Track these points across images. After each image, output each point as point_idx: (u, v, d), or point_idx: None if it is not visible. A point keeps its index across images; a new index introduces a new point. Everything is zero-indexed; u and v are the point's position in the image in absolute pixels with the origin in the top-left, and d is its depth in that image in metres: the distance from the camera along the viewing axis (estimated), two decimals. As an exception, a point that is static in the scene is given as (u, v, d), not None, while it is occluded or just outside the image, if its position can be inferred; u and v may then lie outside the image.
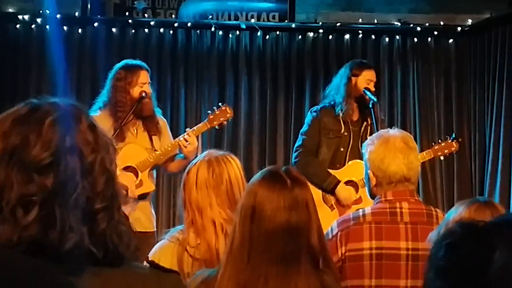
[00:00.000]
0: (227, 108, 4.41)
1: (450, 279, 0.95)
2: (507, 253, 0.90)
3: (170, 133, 4.56)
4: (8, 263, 0.98)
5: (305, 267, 1.93)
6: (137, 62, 4.44)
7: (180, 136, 4.31)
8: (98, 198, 1.15)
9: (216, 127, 4.43)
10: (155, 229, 4.34)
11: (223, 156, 2.69)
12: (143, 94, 4.27)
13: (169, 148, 4.30)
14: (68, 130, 1.14)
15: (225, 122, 4.44)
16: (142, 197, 4.27)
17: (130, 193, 4.05)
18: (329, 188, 4.58)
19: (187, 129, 4.34)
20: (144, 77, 4.33)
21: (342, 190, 4.60)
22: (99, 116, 4.19)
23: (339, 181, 4.59)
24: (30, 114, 1.15)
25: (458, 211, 2.25)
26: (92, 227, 1.14)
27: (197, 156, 3.78)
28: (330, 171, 4.67)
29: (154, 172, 4.51)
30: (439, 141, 4.78)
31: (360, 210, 2.80)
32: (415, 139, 3.42)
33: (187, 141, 4.22)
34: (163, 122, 4.52)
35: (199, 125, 4.40)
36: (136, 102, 4.27)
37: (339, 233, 2.67)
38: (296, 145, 4.85)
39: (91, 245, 1.13)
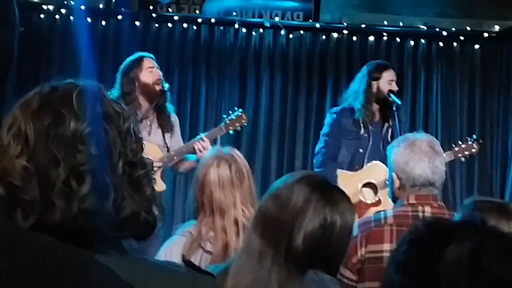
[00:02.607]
0: (243, 115, 4.51)
1: (407, 274, 0.96)
2: (459, 248, 0.91)
3: (179, 131, 4.58)
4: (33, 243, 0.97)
5: (284, 262, 1.87)
6: (140, 53, 4.49)
7: (194, 140, 4.32)
8: (140, 164, 1.17)
9: (230, 132, 4.49)
10: None
11: (233, 152, 2.70)
12: (164, 87, 4.30)
13: (184, 150, 4.32)
14: (97, 100, 1.15)
15: (239, 128, 4.50)
16: None
17: None
18: None
19: (201, 134, 4.36)
20: (148, 61, 4.37)
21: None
22: None
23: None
24: (54, 92, 1.15)
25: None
26: (140, 194, 1.15)
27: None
28: (349, 173, 4.64)
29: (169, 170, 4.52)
30: (460, 142, 4.73)
31: (382, 212, 2.79)
32: (437, 144, 3.41)
33: (203, 147, 4.24)
34: (175, 119, 4.55)
35: (215, 129, 4.50)
36: (157, 95, 4.29)
37: (359, 235, 2.67)
38: (318, 146, 4.82)
39: (144, 213, 1.15)
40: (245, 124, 4.59)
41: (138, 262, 1.15)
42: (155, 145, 4.31)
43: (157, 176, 4.27)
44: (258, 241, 1.88)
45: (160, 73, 4.38)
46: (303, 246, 1.85)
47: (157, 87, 4.30)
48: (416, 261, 0.95)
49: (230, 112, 4.54)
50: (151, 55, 4.48)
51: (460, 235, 0.93)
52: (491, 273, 0.88)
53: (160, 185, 4.31)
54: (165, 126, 4.40)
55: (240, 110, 4.55)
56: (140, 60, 4.37)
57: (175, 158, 4.35)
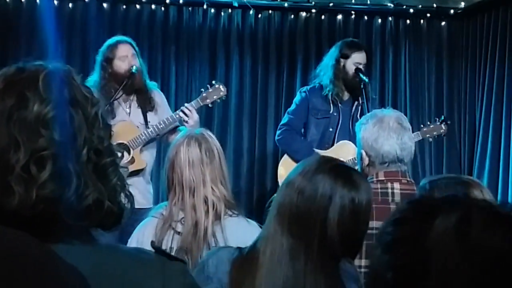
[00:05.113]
0: (221, 86, 4.45)
1: (395, 253, 0.96)
2: (445, 220, 0.92)
3: (167, 105, 4.56)
4: None
5: (317, 255, 1.86)
6: (118, 37, 4.45)
7: (178, 111, 4.33)
8: (106, 152, 1.12)
9: (209, 105, 4.46)
10: (152, 206, 4.34)
11: (205, 132, 2.72)
12: (133, 70, 4.28)
13: (161, 126, 4.31)
14: (64, 84, 1.10)
15: (218, 100, 4.46)
16: (134, 173, 4.28)
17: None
18: None
19: (182, 107, 4.34)
20: (123, 50, 4.34)
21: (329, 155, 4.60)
22: None
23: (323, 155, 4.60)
24: (20, 73, 1.11)
25: None
26: (105, 183, 1.11)
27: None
28: (318, 151, 4.67)
29: (154, 149, 4.50)
30: (428, 123, 4.80)
31: (352, 190, 2.79)
32: (406, 120, 3.46)
33: (187, 115, 4.24)
34: (159, 95, 4.55)
35: (192, 102, 4.42)
36: (126, 78, 4.28)
37: (330, 213, 2.67)
38: (281, 123, 4.88)
39: (108, 202, 1.10)
40: (224, 97, 4.51)
41: (105, 250, 1.12)
42: (133, 124, 4.33)
43: (136, 154, 4.30)
44: (288, 238, 1.86)
45: (136, 62, 4.35)
46: (338, 234, 1.85)
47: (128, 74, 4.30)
48: (403, 240, 0.95)
49: (208, 85, 4.50)
50: (129, 40, 4.43)
51: (445, 208, 0.94)
52: (479, 241, 0.89)
53: (139, 163, 4.32)
54: (146, 106, 4.40)
55: (218, 82, 4.51)
56: (114, 46, 4.35)
57: (153, 134, 4.34)
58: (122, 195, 1.16)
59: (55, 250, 0.97)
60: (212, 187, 2.58)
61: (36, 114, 1.05)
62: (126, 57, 4.32)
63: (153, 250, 1.17)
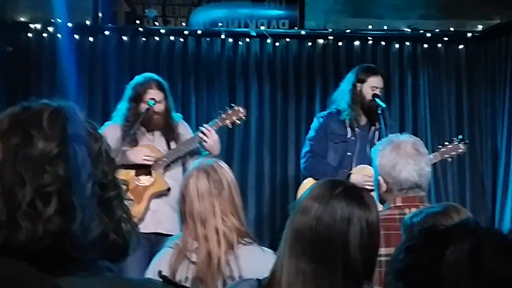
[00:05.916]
0: (240, 108, 4.49)
1: (408, 280, 0.98)
2: (458, 248, 0.94)
3: (191, 135, 4.61)
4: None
5: (341, 279, 1.85)
6: (148, 77, 4.46)
7: (197, 131, 4.38)
8: (111, 186, 1.15)
9: (229, 125, 4.49)
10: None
11: (216, 163, 2.74)
12: (149, 103, 4.31)
13: (181, 147, 4.36)
14: (68, 121, 1.14)
15: (238, 122, 4.49)
16: (158, 195, 4.32)
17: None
18: None
19: (201, 127, 4.39)
20: (152, 95, 4.36)
21: (357, 175, 4.57)
22: (111, 126, 4.29)
23: (350, 173, 4.59)
24: (25, 112, 1.14)
25: None
26: (110, 216, 1.14)
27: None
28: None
29: (179, 175, 4.51)
30: (446, 143, 4.75)
31: (370, 216, 2.79)
32: (427, 145, 3.45)
33: (205, 135, 4.26)
34: (183, 126, 4.59)
35: (211, 123, 4.46)
36: (143, 112, 4.33)
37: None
38: (303, 151, 4.90)
39: (114, 234, 1.13)
40: (244, 119, 4.54)
41: (113, 281, 1.14)
42: (156, 148, 4.40)
43: (158, 175, 4.35)
44: (311, 265, 1.85)
45: (161, 106, 4.39)
46: (359, 256, 1.86)
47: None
48: (416, 267, 0.98)
49: (227, 108, 4.54)
50: (159, 82, 4.46)
51: (457, 236, 0.96)
52: (492, 269, 0.91)
53: (162, 184, 4.35)
54: (169, 137, 4.46)
55: (238, 105, 4.55)
56: (145, 89, 4.37)
57: (175, 155, 4.39)
58: (128, 227, 1.18)
59: (64, 283, 1.01)
60: (222, 218, 2.60)
61: (41, 152, 1.09)
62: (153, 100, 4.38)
63: (161, 280, 1.20)
